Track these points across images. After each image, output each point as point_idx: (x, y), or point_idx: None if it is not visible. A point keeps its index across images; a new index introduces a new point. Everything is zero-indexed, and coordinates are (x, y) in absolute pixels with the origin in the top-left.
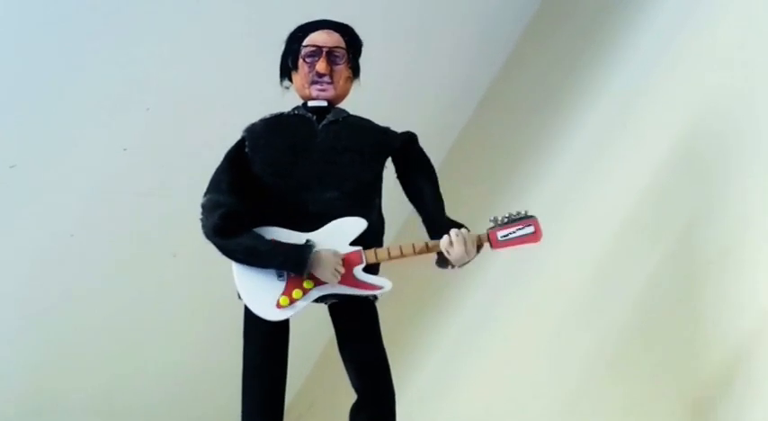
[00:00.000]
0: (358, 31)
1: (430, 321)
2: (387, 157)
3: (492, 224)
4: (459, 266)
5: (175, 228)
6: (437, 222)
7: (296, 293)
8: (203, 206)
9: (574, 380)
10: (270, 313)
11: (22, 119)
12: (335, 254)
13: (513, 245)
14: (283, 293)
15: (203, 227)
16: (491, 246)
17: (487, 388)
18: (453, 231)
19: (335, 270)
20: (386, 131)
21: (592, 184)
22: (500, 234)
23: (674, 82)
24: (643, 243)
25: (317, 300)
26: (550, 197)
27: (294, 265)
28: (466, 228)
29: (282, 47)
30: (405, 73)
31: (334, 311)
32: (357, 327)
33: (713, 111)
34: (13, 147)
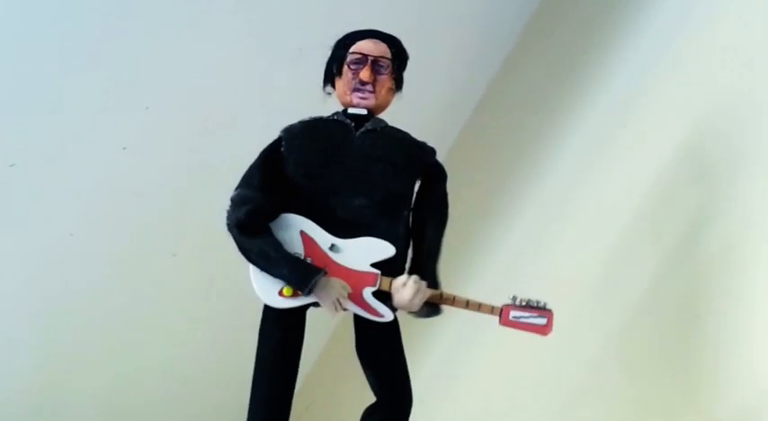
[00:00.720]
0: (403, 45)
1: (429, 321)
2: (420, 172)
3: (509, 301)
4: (405, 311)
5: (175, 227)
6: (419, 265)
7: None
8: (232, 199)
9: (574, 381)
10: (270, 299)
11: (22, 118)
12: (344, 286)
13: (519, 327)
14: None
15: (227, 219)
16: (499, 320)
17: (486, 388)
18: (414, 277)
19: (338, 301)
20: (422, 146)
21: (592, 184)
22: (512, 313)
23: (673, 81)
24: (644, 242)
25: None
26: (550, 197)
27: (298, 282)
28: (436, 286)
29: (328, 53)
30: (404, 72)
31: (357, 317)
32: (379, 335)
33: (713, 110)
34: (12, 146)
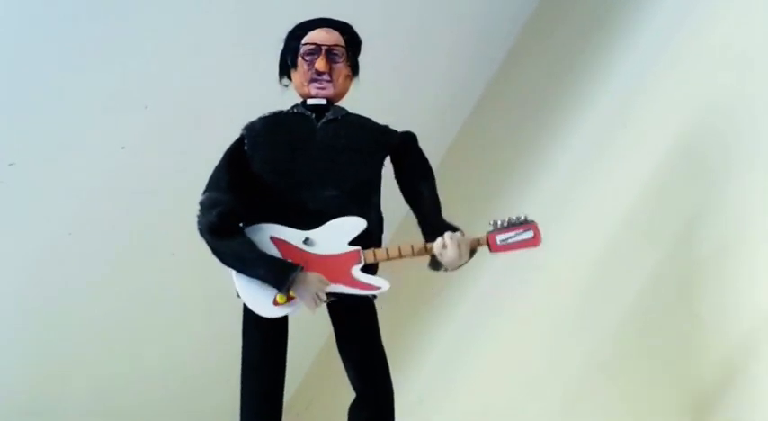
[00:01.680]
0: (356, 30)
1: (428, 321)
2: (386, 156)
3: (491, 227)
4: (452, 269)
5: (174, 226)
6: (432, 224)
7: (292, 292)
8: (201, 203)
9: (573, 381)
10: (267, 310)
11: (21, 117)
12: (322, 280)
13: (511, 249)
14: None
15: (198, 223)
16: (489, 249)
17: (486, 388)
18: (447, 234)
19: (317, 295)
20: (385, 130)
21: (591, 184)
22: (499, 238)
23: (672, 81)
24: (642, 242)
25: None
26: (549, 197)
27: (275, 280)
28: (461, 231)
29: (281, 45)
30: (403, 72)
31: (333, 310)
32: (356, 327)
33: (712, 110)
34: (11, 145)
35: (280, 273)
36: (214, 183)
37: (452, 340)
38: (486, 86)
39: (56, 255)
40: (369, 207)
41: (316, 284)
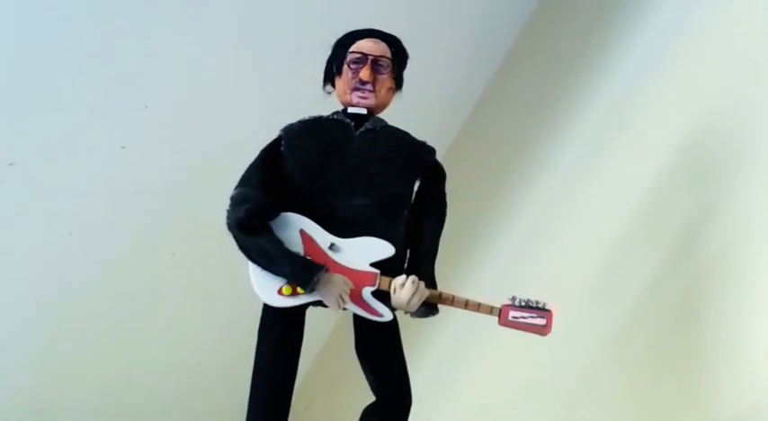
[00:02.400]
0: (403, 44)
1: (428, 321)
2: (420, 171)
3: (509, 301)
4: (403, 312)
5: (174, 226)
6: (415, 266)
7: (300, 288)
8: (232, 198)
9: (573, 381)
10: (269, 297)
11: (21, 117)
12: (346, 282)
13: (518, 328)
14: (288, 283)
15: (227, 218)
16: (498, 320)
17: (486, 388)
18: (412, 277)
19: (340, 297)
20: (422, 145)
21: (591, 184)
22: (512, 314)
23: (673, 81)
24: (643, 243)
25: (326, 305)
26: (549, 197)
27: (300, 280)
28: (433, 286)
29: (329, 52)
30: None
31: (357, 316)
32: (378, 333)
33: (713, 110)
34: (11, 144)
35: (305, 272)
36: (246, 180)
37: (453, 340)
38: (486, 86)
39: (56, 255)
40: (398, 220)
41: (340, 286)
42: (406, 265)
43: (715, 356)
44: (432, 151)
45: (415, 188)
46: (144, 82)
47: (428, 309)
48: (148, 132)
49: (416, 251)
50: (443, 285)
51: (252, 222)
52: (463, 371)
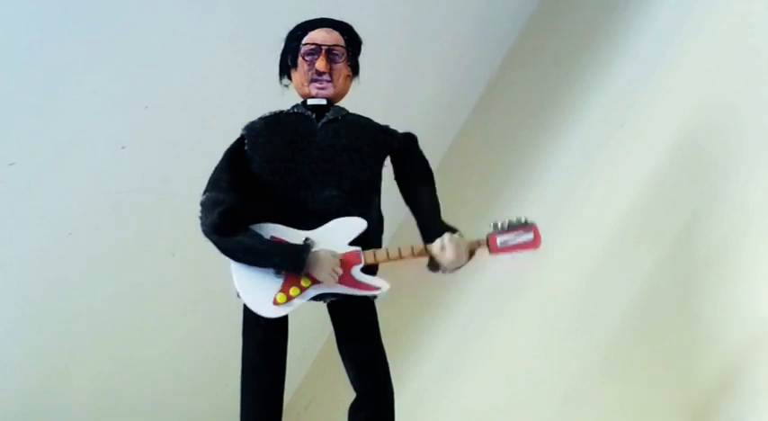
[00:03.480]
0: (356, 30)
1: (428, 321)
2: (386, 156)
3: (491, 229)
4: (451, 271)
5: (174, 226)
6: (431, 226)
7: (293, 291)
8: (202, 204)
9: (573, 381)
10: (267, 310)
11: (22, 116)
12: (334, 254)
13: (511, 250)
14: (281, 291)
15: (202, 224)
16: (489, 250)
17: (485, 388)
18: (446, 236)
19: (333, 271)
20: (385, 130)
21: (590, 184)
22: (499, 239)
23: (672, 81)
24: (641, 242)
25: (315, 299)
26: (549, 197)
27: (292, 265)
28: (459, 232)
29: (281, 45)
30: (402, 73)
31: (333, 309)
32: (356, 326)
33: (712, 110)
34: (12, 144)
35: (294, 256)
36: (214, 184)
37: (452, 340)
38: (486, 86)
39: (56, 255)
40: (369, 207)
41: (329, 260)
42: (423, 233)
43: (715, 356)
44: (394, 134)
45: (384, 167)
46: (144, 82)
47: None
48: (149, 132)
49: (423, 213)
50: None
51: (227, 224)
52: (462, 371)
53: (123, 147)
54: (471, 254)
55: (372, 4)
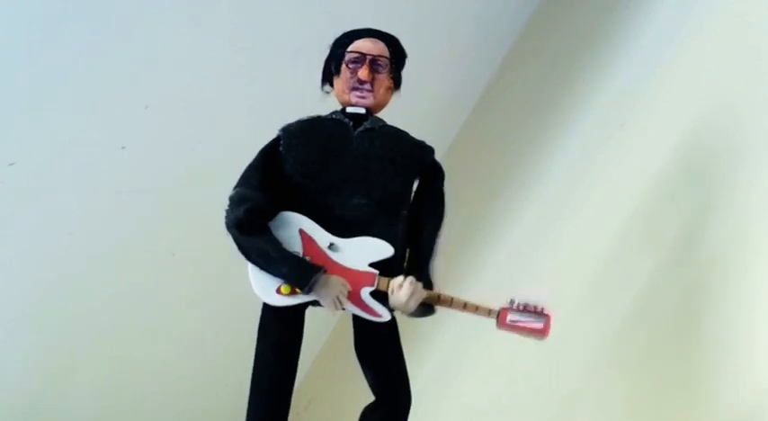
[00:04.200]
0: (401, 44)
1: (428, 322)
2: (419, 171)
3: (507, 304)
4: (400, 312)
5: (174, 226)
6: (413, 264)
7: (298, 288)
8: (231, 198)
9: (572, 382)
10: (269, 297)
11: (22, 116)
12: (344, 284)
13: (516, 331)
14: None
15: (226, 218)
16: (497, 323)
17: (486, 388)
18: (410, 278)
19: (338, 298)
20: (421, 145)
21: (591, 184)
22: (510, 318)
23: (672, 81)
24: (643, 243)
25: (318, 304)
26: (549, 197)
27: (298, 281)
28: (430, 286)
29: (327, 51)
30: (403, 72)
31: (356, 316)
32: (378, 335)
33: (714, 109)
34: (12, 144)
35: (303, 273)
36: (245, 180)
37: (452, 341)
38: (487, 86)
39: (56, 255)
40: (396, 220)
41: (338, 288)
42: (405, 265)
43: (714, 357)
44: (430, 151)
45: (414, 187)
46: (144, 82)
47: (425, 309)
48: (148, 132)
49: (415, 251)
50: (443, 284)
51: (250, 222)
52: (463, 372)
53: (123, 147)
54: (428, 308)
55: (372, 4)
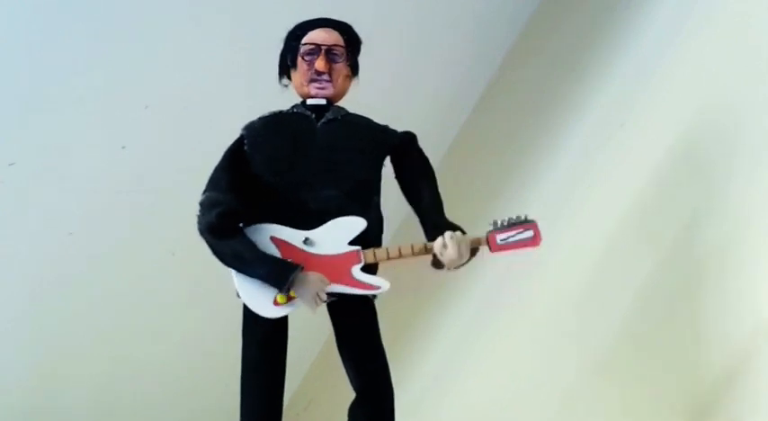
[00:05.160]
0: (355, 30)
1: (428, 321)
2: (386, 156)
3: (491, 227)
4: (454, 268)
5: (174, 226)
6: (433, 224)
7: (293, 292)
8: (201, 203)
9: (573, 381)
10: (267, 310)
11: (22, 117)
12: (323, 280)
13: (511, 248)
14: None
15: (198, 223)
16: (489, 248)
17: (485, 388)
18: (447, 234)
19: (317, 295)
20: (384, 130)
21: (591, 184)
22: (499, 237)
23: (672, 81)
24: (642, 242)
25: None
26: (550, 197)
27: (275, 280)
28: (462, 230)
29: (281, 45)
30: (403, 72)
31: (333, 309)
32: (356, 326)
33: (712, 109)
34: (11, 145)
35: (280, 272)
36: (214, 184)
37: (452, 340)
38: (487, 86)
39: (56, 255)
40: (369, 207)
41: (316, 284)
42: (425, 230)
43: (714, 356)
44: (394, 133)
45: (384, 167)
46: (144, 82)
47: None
48: (148, 132)
49: (425, 212)
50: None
51: (223, 226)
52: (462, 371)
53: (123, 147)
54: (474, 251)
55: (372, 4)
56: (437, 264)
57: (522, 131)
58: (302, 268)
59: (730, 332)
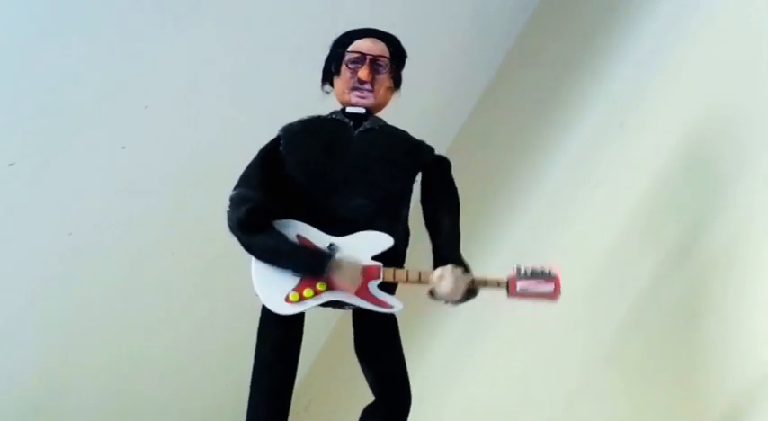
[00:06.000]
0: (401, 43)
1: (430, 319)
2: (418, 171)
3: (515, 273)
4: (452, 303)
5: (174, 226)
6: (443, 255)
7: (307, 292)
8: (231, 199)
9: (573, 380)
10: (277, 306)
11: (22, 117)
12: (356, 265)
13: (528, 297)
14: (295, 289)
15: (228, 219)
16: (507, 292)
17: (488, 386)
18: (449, 267)
19: (353, 280)
20: (420, 145)
21: (592, 184)
22: (519, 285)
23: (672, 81)
24: (644, 242)
25: (334, 306)
26: (550, 196)
27: (313, 268)
28: (466, 268)
29: (327, 51)
30: (403, 72)
31: (356, 316)
32: (378, 334)
33: (712, 110)
34: (12, 144)
35: (317, 260)
36: (245, 180)
37: (455, 337)
38: (487, 86)
39: (56, 255)
40: (397, 220)
41: (352, 269)
42: (434, 257)
43: (714, 356)
44: (430, 150)
45: (417, 183)
46: (144, 82)
47: (468, 293)
48: (148, 132)
49: (440, 240)
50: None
51: (253, 221)
52: (466, 369)
53: (123, 147)
54: (472, 292)
55: (371, 3)
56: (432, 294)
57: (522, 132)
58: (337, 251)
59: (733, 332)
